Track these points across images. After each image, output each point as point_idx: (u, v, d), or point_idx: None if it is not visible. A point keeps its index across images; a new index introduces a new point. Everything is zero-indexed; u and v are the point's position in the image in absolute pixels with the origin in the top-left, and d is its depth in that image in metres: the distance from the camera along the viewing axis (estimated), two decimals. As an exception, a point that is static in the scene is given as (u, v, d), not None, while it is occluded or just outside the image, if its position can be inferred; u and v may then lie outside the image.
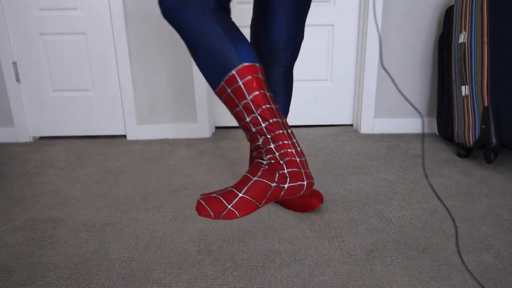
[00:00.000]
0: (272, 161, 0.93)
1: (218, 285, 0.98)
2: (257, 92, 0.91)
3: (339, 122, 2.31)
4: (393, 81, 0.80)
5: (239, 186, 0.93)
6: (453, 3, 2.00)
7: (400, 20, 2.04)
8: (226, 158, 1.85)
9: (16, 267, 1.07)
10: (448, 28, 1.87)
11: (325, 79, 2.24)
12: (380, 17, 2.02)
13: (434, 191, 0.83)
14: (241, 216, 0.92)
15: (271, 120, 0.92)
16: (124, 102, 2.15)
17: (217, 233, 1.20)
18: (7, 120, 2.21)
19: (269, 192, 0.93)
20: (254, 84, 0.91)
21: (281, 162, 0.93)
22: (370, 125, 2.17)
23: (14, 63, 2.11)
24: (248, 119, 0.92)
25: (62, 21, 2.05)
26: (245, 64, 0.91)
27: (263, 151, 0.94)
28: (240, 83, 0.90)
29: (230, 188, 0.93)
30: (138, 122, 2.20)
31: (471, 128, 1.68)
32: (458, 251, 0.77)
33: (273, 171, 0.93)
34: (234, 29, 0.93)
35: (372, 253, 1.08)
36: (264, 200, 0.93)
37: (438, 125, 1.98)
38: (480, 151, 1.86)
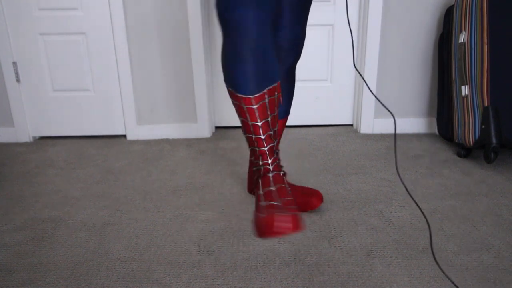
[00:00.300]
0: (283, 172, 0.99)
1: (218, 285, 0.98)
2: (278, 108, 1.01)
3: (339, 122, 2.31)
4: (366, 83, 0.85)
5: (289, 200, 0.89)
6: (453, 3, 2.00)
7: (400, 20, 2.04)
8: (226, 158, 1.85)
9: (16, 267, 1.07)
10: (448, 28, 1.87)
11: (325, 79, 2.24)
12: (380, 16, 2.02)
13: (406, 188, 0.83)
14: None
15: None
16: (124, 102, 2.15)
17: (217, 233, 1.20)
18: (7, 120, 2.21)
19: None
20: (280, 101, 1.00)
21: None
22: (370, 125, 2.17)
23: (14, 63, 2.11)
24: (272, 131, 0.97)
25: (62, 21, 2.05)
26: (280, 80, 0.99)
27: (279, 163, 0.98)
28: (276, 95, 0.97)
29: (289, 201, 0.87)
30: (138, 122, 2.20)
31: (471, 128, 1.68)
32: (432, 251, 0.77)
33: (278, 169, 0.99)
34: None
35: (372, 253, 1.08)
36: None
37: (438, 125, 1.98)
38: (480, 151, 1.86)
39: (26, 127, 2.21)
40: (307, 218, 1.27)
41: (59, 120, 2.21)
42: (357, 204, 1.36)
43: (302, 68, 2.22)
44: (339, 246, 1.12)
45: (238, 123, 2.34)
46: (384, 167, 1.68)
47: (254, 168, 0.99)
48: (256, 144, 0.97)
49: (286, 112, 1.32)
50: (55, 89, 2.17)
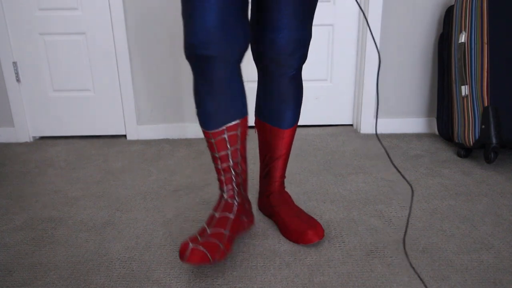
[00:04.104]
0: (240, 201, 1.11)
1: (218, 285, 0.98)
2: (244, 140, 1.08)
3: (339, 122, 2.31)
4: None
5: (222, 224, 1.05)
6: (453, 3, 2.00)
7: (400, 20, 2.04)
8: (226, 158, 1.85)
9: (16, 267, 1.07)
10: (448, 28, 1.87)
11: (325, 79, 2.24)
12: (380, 16, 2.02)
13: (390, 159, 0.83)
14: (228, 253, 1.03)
15: (244, 167, 1.11)
16: (124, 102, 2.15)
17: (217, 233, 1.20)
18: (7, 120, 2.21)
19: (239, 226, 1.10)
20: (245, 135, 1.08)
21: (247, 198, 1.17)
22: (370, 125, 2.17)
23: (14, 63, 2.11)
24: (231, 163, 1.06)
25: (62, 21, 2.05)
26: (246, 116, 1.06)
27: (235, 192, 1.10)
28: (238, 131, 1.04)
29: (217, 230, 1.03)
30: (138, 122, 2.20)
31: (471, 128, 1.68)
32: (408, 218, 0.77)
33: (243, 208, 1.12)
34: (243, 81, 1.04)
35: (372, 253, 1.08)
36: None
37: (438, 125, 1.98)
38: (480, 151, 1.86)
39: (26, 127, 2.21)
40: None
41: (59, 120, 2.21)
42: (357, 204, 1.36)
43: (302, 68, 2.22)
44: (339, 246, 1.12)
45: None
46: (384, 167, 1.68)
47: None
48: (216, 171, 1.09)
49: (293, 123, 1.17)
50: (55, 89, 2.17)
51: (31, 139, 2.23)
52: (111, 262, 1.08)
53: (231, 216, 1.06)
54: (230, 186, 1.08)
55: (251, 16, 1.09)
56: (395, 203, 1.37)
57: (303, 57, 1.09)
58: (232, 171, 1.07)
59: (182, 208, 1.38)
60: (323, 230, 1.12)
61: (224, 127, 1.01)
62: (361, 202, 1.38)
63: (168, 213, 1.34)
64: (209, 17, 0.89)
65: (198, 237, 1.00)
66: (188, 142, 2.11)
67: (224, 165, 1.06)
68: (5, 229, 1.27)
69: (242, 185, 1.12)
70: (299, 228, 1.12)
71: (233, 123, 1.02)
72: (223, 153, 1.04)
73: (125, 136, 2.26)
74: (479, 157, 1.78)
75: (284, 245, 1.13)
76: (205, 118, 1.00)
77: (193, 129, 2.19)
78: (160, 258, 1.09)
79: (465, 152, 1.76)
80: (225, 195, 1.09)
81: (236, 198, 1.09)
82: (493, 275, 0.98)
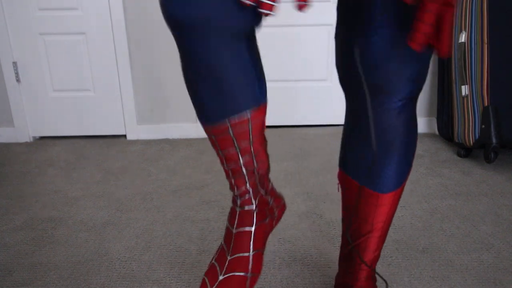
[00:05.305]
0: (259, 202, 0.84)
1: (218, 285, 0.97)
2: (259, 135, 0.78)
3: (339, 122, 2.31)
4: None
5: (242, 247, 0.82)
6: (453, 3, 1.99)
7: (400, 20, 2.04)
8: (226, 158, 1.85)
9: (16, 267, 1.07)
10: (448, 28, 1.87)
11: (325, 79, 2.24)
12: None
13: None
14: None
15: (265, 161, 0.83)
16: (124, 102, 2.15)
17: (217, 233, 1.21)
18: (7, 120, 2.21)
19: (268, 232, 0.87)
20: (261, 129, 0.78)
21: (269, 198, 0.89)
22: (370, 125, 2.17)
23: (14, 63, 2.11)
24: (241, 161, 0.77)
25: (62, 21, 2.05)
26: (262, 104, 0.75)
27: (251, 194, 0.82)
28: (249, 126, 0.74)
29: (236, 255, 0.81)
30: (138, 122, 2.20)
31: (471, 128, 1.68)
32: None
33: (264, 209, 0.85)
34: (259, 60, 0.74)
35: (372, 253, 1.08)
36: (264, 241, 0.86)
37: (438, 125, 1.98)
38: (480, 151, 1.86)
39: (26, 127, 2.21)
40: (307, 218, 1.27)
41: (59, 120, 2.21)
42: (357, 204, 1.36)
43: (302, 68, 2.22)
44: (339, 246, 1.12)
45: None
46: (384, 167, 1.68)
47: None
48: (224, 171, 0.86)
49: (397, 181, 0.76)
50: (55, 89, 2.17)
51: (31, 139, 2.23)
52: (111, 262, 1.08)
53: (252, 229, 0.82)
54: (243, 188, 0.81)
55: (337, 23, 0.74)
56: (395, 203, 1.37)
57: (418, 79, 0.69)
58: (243, 169, 0.79)
59: (182, 208, 1.38)
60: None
61: (226, 121, 0.72)
62: (361, 202, 1.37)
63: (168, 213, 1.34)
64: None
65: (217, 268, 0.79)
66: (188, 142, 2.12)
67: (232, 165, 0.78)
68: (5, 229, 1.27)
69: (260, 181, 0.83)
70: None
71: (239, 115, 0.72)
72: (229, 151, 0.76)
73: (125, 136, 2.26)
74: (479, 157, 1.78)
75: (284, 245, 1.13)
76: (199, 108, 0.72)
77: (193, 129, 2.19)
78: (160, 258, 1.09)
79: (465, 152, 1.76)
80: (238, 202, 0.82)
81: (253, 202, 0.82)
82: (493, 275, 0.98)
